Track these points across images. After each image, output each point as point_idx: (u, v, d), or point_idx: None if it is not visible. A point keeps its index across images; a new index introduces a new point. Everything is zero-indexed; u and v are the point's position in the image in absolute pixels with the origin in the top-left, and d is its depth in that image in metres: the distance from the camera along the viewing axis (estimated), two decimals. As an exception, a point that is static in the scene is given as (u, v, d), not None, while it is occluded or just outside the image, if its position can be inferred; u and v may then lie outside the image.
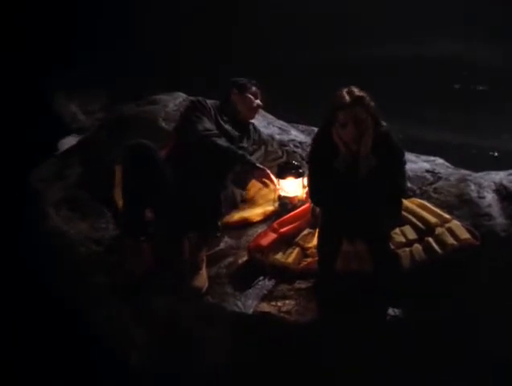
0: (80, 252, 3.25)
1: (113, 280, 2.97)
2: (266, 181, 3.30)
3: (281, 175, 3.29)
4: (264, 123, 4.07)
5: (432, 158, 3.76)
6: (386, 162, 2.66)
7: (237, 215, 3.35)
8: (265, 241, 3.01)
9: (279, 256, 2.99)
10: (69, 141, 4.39)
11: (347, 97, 2.62)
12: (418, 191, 3.39)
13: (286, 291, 2.84)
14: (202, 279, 2.85)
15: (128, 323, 2.97)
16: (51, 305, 3.33)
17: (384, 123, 2.76)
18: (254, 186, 3.54)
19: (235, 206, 3.37)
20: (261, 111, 4.20)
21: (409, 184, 3.43)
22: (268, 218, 3.35)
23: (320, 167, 2.72)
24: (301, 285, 2.87)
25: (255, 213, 3.36)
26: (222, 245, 3.18)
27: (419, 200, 3.20)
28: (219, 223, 3.02)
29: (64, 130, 4.70)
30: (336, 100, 2.65)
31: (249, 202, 3.50)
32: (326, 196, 2.70)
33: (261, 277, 2.93)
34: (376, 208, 2.66)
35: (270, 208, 3.39)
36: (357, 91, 2.66)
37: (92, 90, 5.46)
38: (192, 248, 2.90)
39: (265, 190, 3.49)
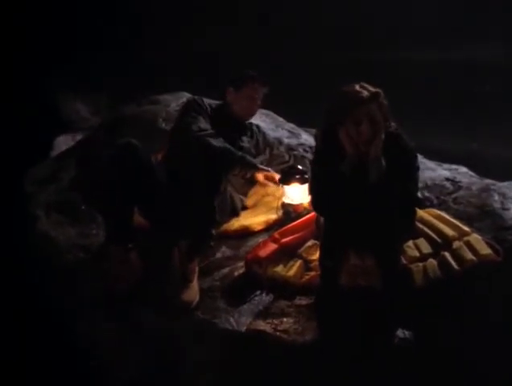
0: (66, 260, 3.11)
1: (98, 291, 2.79)
2: (270, 184, 3.10)
3: (285, 181, 3.09)
4: (272, 126, 3.92)
5: (455, 166, 3.62)
6: (397, 165, 2.45)
7: (236, 224, 3.19)
8: (264, 252, 2.82)
9: (279, 268, 2.81)
10: (65, 140, 4.25)
11: (363, 92, 2.42)
12: (435, 201, 3.21)
13: (285, 308, 2.66)
14: (192, 292, 2.67)
15: (113, 337, 2.81)
16: (38, 316, 3.21)
17: (393, 124, 2.55)
18: (257, 192, 3.38)
19: (235, 213, 3.21)
20: (270, 113, 4.06)
21: (426, 193, 3.28)
22: (271, 227, 3.18)
23: (323, 170, 2.52)
24: (302, 301, 2.69)
25: (257, 221, 3.19)
26: (218, 255, 3.02)
27: (437, 211, 3.01)
28: (213, 232, 2.82)
29: (62, 129, 4.55)
30: (351, 95, 2.45)
31: (251, 209, 3.34)
32: (329, 203, 2.49)
33: (258, 292, 2.75)
34: (386, 217, 2.45)
35: (273, 217, 3.22)
36: (370, 86, 2.47)
37: (97, 89, 5.33)
38: (182, 257, 2.71)
39: (268, 198, 3.32)
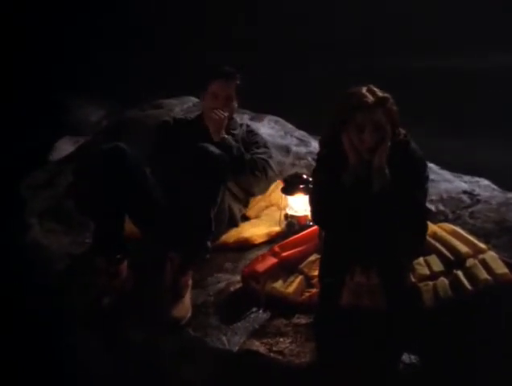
0: (56, 270, 3.02)
1: (85, 304, 2.68)
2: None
3: (288, 191, 2.96)
4: (281, 132, 3.83)
5: (477, 178, 3.51)
6: (404, 175, 2.32)
7: (236, 235, 3.07)
8: (261, 267, 2.70)
9: (278, 284, 2.68)
10: (64, 144, 4.18)
11: (369, 96, 2.30)
12: (451, 216, 3.11)
13: (282, 327, 2.52)
14: (184, 308, 2.55)
15: (100, 353, 2.70)
16: (25, 327, 3.12)
17: (403, 131, 2.42)
18: (259, 202, 3.27)
19: (233, 223, 3.09)
20: (279, 120, 3.94)
21: (441, 207, 3.19)
22: (273, 240, 3.06)
23: (324, 179, 2.40)
24: (301, 320, 2.55)
25: (258, 233, 3.08)
26: (215, 269, 2.90)
27: (451, 226, 2.88)
28: (208, 244, 2.70)
29: (67, 133, 4.49)
30: (355, 99, 2.33)
31: (253, 220, 3.23)
32: (330, 215, 2.36)
33: (254, 309, 2.62)
34: (391, 231, 2.32)
35: (275, 229, 3.11)
36: (378, 90, 2.34)
37: (109, 93, 5.28)
38: (174, 271, 2.60)
39: (272, 208, 3.23)
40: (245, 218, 3.23)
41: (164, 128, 3.14)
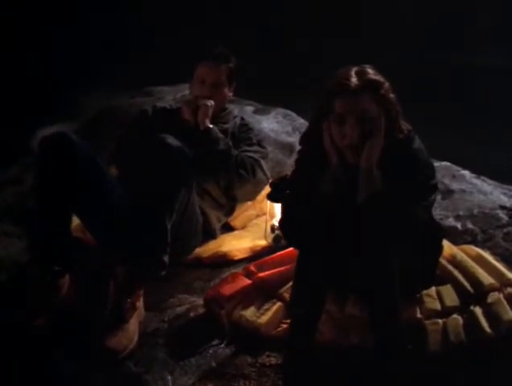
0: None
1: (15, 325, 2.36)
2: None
3: (275, 197, 2.56)
4: (288, 128, 3.55)
5: None
6: (402, 183, 1.95)
7: (212, 249, 2.76)
8: (229, 289, 2.35)
9: (249, 312, 2.33)
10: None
11: (354, 79, 1.92)
12: (480, 236, 2.76)
13: (245, 367, 2.16)
14: (125, 336, 2.22)
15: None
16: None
17: (406, 126, 2.04)
18: (248, 210, 2.99)
19: (209, 235, 2.77)
20: (291, 113, 3.62)
21: (469, 224, 2.88)
22: (257, 256, 2.72)
23: (299, 184, 2.08)
24: (270, 359, 2.19)
25: (238, 248, 2.77)
26: (179, 289, 2.58)
27: (477, 249, 2.54)
28: (164, 258, 2.35)
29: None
30: (335, 82, 1.98)
31: (238, 231, 2.94)
32: (302, 229, 2.00)
33: (215, 342, 2.27)
34: (382, 253, 1.94)
35: (260, 243, 2.79)
36: (371, 73, 1.97)
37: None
38: (117, 289, 2.26)
39: (262, 218, 2.89)
40: (231, 228, 2.94)
41: (137, 118, 2.86)
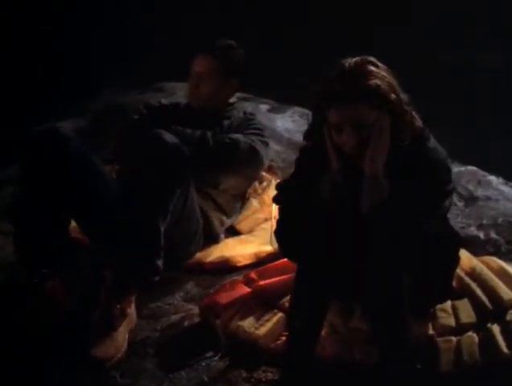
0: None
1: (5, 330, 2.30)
2: None
3: (279, 200, 2.46)
4: (304, 128, 3.33)
5: None
6: (412, 189, 1.81)
7: (215, 254, 2.66)
8: (226, 297, 2.25)
9: (248, 322, 2.22)
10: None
11: (344, 88, 1.79)
12: (504, 247, 2.68)
13: (239, 382, 2.04)
14: (113, 345, 2.12)
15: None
16: None
17: (419, 124, 1.91)
18: (256, 213, 2.90)
19: (212, 239, 2.68)
20: (309, 113, 3.50)
21: (493, 234, 2.82)
22: (262, 262, 2.61)
23: (296, 190, 1.98)
24: (267, 374, 2.07)
25: (242, 253, 2.66)
26: (177, 296, 2.48)
27: (499, 262, 2.43)
28: (158, 263, 2.26)
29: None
30: (323, 92, 1.85)
31: (244, 236, 2.85)
32: (299, 240, 1.90)
33: (209, 353, 2.15)
34: (388, 266, 1.81)
35: (265, 248, 2.67)
36: (366, 73, 1.81)
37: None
38: (107, 295, 2.17)
39: (268, 223, 2.80)
40: (236, 233, 2.85)
41: (140, 114, 2.80)
